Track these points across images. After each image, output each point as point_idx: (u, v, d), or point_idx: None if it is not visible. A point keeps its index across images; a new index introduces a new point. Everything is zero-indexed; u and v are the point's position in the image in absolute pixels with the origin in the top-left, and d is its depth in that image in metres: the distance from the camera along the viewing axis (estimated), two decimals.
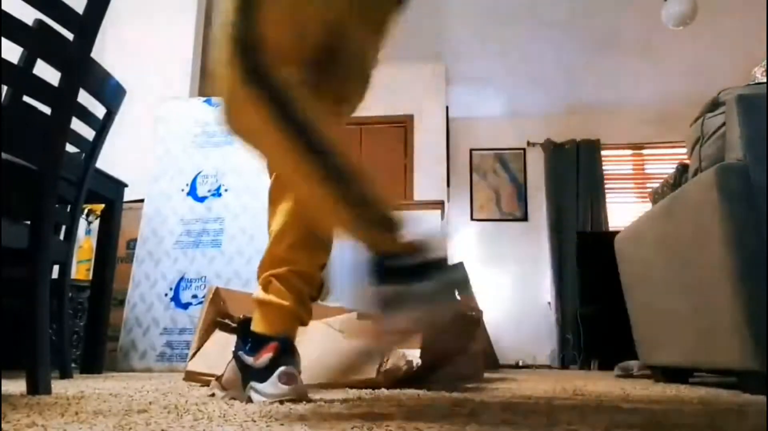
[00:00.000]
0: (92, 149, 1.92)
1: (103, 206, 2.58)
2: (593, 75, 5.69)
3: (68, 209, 1.93)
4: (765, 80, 3.15)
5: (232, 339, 1.69)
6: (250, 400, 1.09)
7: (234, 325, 1.75)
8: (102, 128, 1.92)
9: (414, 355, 1.50)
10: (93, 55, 1.50)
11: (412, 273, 0.88)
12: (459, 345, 1.63)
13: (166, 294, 2.86)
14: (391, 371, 1.46)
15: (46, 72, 1.41)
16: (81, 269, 3.10)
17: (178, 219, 2.99)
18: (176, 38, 4.16)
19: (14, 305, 1.36)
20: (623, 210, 6.09)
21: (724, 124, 1.73)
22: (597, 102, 6.13)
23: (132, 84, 2.29)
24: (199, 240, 2.93)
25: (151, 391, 1.36)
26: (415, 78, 5.67)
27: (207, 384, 1.59)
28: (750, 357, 1.52)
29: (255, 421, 0.84)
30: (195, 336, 1.84)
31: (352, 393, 1.31)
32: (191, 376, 1.73)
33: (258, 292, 1.19)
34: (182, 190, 3.05)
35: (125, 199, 2.65)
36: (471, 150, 6.51)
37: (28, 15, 1.33)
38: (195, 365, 1.74)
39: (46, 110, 1.40)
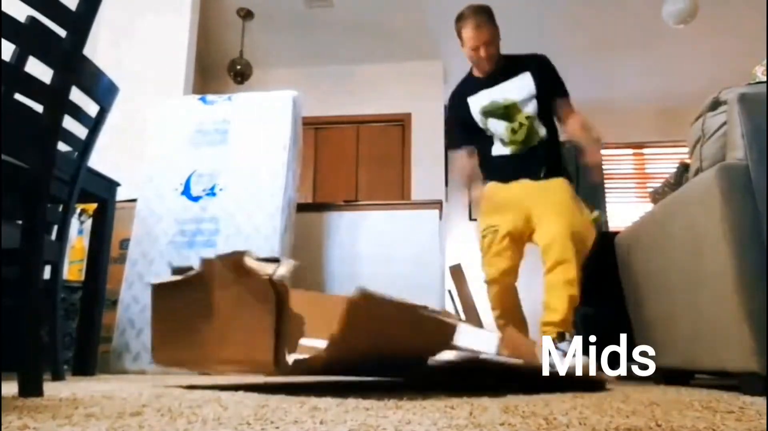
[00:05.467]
0: (85, 147, 1.90)
1: (95, 205, 2.56)
2: (593, 74, 5.68)
3: (60, 209, 1.91)
4: (766, 79, 3.14)
5: (177, 313, 1.63)
6: None
7: (170, 280, 1.69)
8: (95, 126, 1.91)
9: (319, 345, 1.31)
10: (86, 52, 1.49)
11: None
12: (408, 349, 1.39)
13: None
14: (298, 361, 1.29)
15: (39, 69, 1.39)
16: (73, 270, 3.08)
17: (172, 219, 2.96)
18: (171, 35, 4.14)
19: (6, 306, 1.35)
20: (624, 210, 6.09)
21: (725, 123, 1.72)
22: (597, 101, 6.12)
23: (125, 82, 2.27)
24: (193, 240, 2.90)
25: (144, 394, 1.34)
26: (413, 76, 5.67)
27: (181, 365, 1.53)
28: (750, 359, 1.51)
29: (250, 424, 0.83)
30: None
31: (346, 394, 1.28)
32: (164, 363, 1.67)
33: None
34: (176, 189, 3.02)
35: (118, 198, 2.63)
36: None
37: (21, 12, 1.31)
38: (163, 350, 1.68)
39: (38, 107, 1.38)
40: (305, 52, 5.63)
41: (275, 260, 1.42)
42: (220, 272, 1.53)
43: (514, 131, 2.57)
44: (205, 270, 1.58)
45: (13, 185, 1.36)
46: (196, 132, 3.12)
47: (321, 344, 1.29)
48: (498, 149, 2.63)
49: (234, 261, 1.48)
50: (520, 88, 2.57)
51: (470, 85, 2.67)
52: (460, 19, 2.58)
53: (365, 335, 1.26)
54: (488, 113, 2.60)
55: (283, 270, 1.37)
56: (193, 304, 1.58)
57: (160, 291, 1.69)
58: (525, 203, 2.49)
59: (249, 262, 1.44)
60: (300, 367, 1.29)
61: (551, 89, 2.60)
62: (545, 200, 2.46)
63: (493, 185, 2.65)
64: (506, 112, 2.57)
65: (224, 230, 2.90)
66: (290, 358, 1.31)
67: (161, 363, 1.66)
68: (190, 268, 1.64)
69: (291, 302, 1.37)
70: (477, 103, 2.62)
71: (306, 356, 1.30)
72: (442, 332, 1.41)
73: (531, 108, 2.56)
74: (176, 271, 1.67)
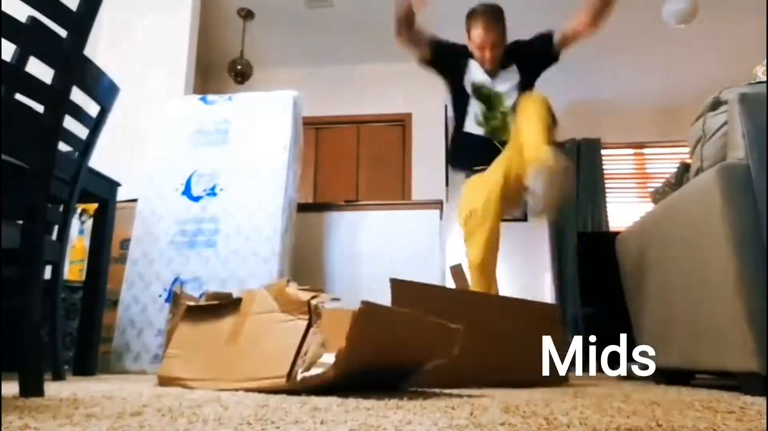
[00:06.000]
0: (85, 147, 1.91)
1: (96, 205, 2.55)
2: (594, 73, 5.68)
3: (61, 209, 1.91)
4: (766, 79, 3.14)
5: (200, 335, 1.67)
6: None
7: (205, 303, 1.73)
8: (95, 126, 1.91)
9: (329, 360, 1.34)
10: (86, 52, 1.49)
11: None
12: (412, 355, 1.46)
13: (160, 295, 2.82)
14: (306, 378, 1.34)
15: (39, 69, 1.39)
16: (74, 270, 3.08)
17: (172, 219, 2.96)
18: (171, 35, 4.14)
19: (6, 306, 1.35)
20: (624, 210, 6.08)
21: (725, 123, 1.72)
22: (598, 100, 6.13)
23: (126, 82, 2.27)
24: (194, 240, 2.90)
25: (144, 394, 1.34)
26: (413, 76, 5.63)
27: (183, 386, 1.56)
28: (751, 359, 1.51)
29: (250, 424, 0.83)
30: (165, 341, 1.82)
31: (348, 395, 1.28)
32: (165, 380, 1.68)
33: None
34: (177, 189, 3.02)
35: (119, 198, 2.63)
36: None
37: (21, 12, 1.31)
38: (167, 369, 1.70)
39: (39, 107, 1.38)
40: (305, 52, 5.63)
41: (316, 291, 1.50)
42: (259, 299, 1.59)
43: (486, 119, 2.64)
44: (245, 296, 1.64)
45: (13, 185, 1.36)
46: (197, 132, 3.12)
47: (331, 358, 1.32)
48: (471, 126, 2.68)
49: (277, 287, 1.55)
50: (508, 80, 2.64)
51: (470, 55, 2.69)
52: (471, 15, 2.62)
53: (371, 347, 1.29)
54: (476, 90, 2.66)
55: (322, 299, 1.45)
56: (219, 329, 1.63)
57: (190, 313, 1.74)
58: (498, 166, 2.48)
59: (291, 288, 1.52)
60: (309, 384, 1.31)
61: (539, 58, 2.66)
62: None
63: (472, 181, 2.64)
64: (490, 100, 2.64)
65: (225, 230, 2.90)
66: (300, 376, 1.34)
67: (165, 382, 1.68)
68: (227, 295, 1.70)
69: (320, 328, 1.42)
70: (472, 75, 2.67)
71: (315, 373, 1.32)
72: (446, 336, 1.43)
73: (511, 101, 2.61)
74: (211, 296, 1.72)
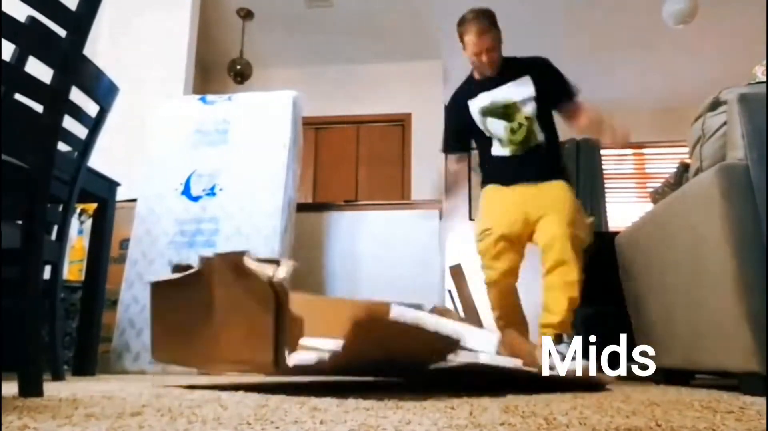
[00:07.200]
0: (85, 147, 1.90)
1: (95, 205, 2.55)
2: (593, 73, 5.67)
3: (60, 209, 1.91)
4: (766, 79, 3.14)
5: (176, 311, 1.63)
6: None
7: (168, 278, 1.69)
8: (95, 126, 1.91)
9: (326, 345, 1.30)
10: (85, 52, 1.49)
11: None
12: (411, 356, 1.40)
13: None
14: (300, 366, 1.30)
15: (39, 70, 1.39)
16: (73, 270, 3.08)
17: (172, 219, 2.96)
18: (171, 35, 4.14)
19: (6, 306, 1.35)
20: (623, 210, 6.07)
21: (725, 123, 1.72)
22: (597, 100, 6.07)
23: (125, 82, 2.27)
24: (193, 240, 2.90)
25: (144, 394, 1.34)
26: (413, 76, 5.67)
27: (184, 364, 1.53)
28: (750, 359, 1.51)
29: (250, 424, 0.83)
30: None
31: (349, 395, 1.28)
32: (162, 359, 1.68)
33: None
34: (176, 189, 3.02)
35: (118, 198, 2.62)
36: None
37: (21, 12, 1.31)
38: (162, 353, 1.69)
39: (38, 107, 1.38)
40: (305, 52, 5.63)
41: (274, 262, 1.41)
42: (219, 271, 1.52)
43: (513, 131, 2.57)
44: (205, 269, 1.56)
45: (13, 185, 1.36)
46: (196, 132, 3.12)
47: (321, 343, 1.29)
48: (497, 150, 2.64)
49: (233, 261, 1.46)
50: (520, 90, 2.57)
51: (471, 87, 2.68)
52: (462, 23, 2.57)
53: (368, 348, 1.27)
54: (487, 112, 2.61)
55: (282, 272, 1.37)
56: (192, 302, 1.58)
57: (158, 289, 1.70)
58: (523, 207, 2.50)
59: (248, 263, 1.42)
60: (301, 370, 1.29)
61: (554, 92, 2.61)
62: (544, 202, 2.47)
63: (490, 188, 2.68)
64: (506, 111, 2.58)
65: (224, 230, 2.90)
66: (290, 359, 1.31)
67: (161, 360, 1.67)
68: (190, 266, 1.63)
69: (290, 305, 1.37)
70: (477, 104, 2.63)
71: (308, 361, 1.30)
72: (445, 346, 1.42)
73: (530, 109, 2.56)
74: (176, 268, 1.67)
